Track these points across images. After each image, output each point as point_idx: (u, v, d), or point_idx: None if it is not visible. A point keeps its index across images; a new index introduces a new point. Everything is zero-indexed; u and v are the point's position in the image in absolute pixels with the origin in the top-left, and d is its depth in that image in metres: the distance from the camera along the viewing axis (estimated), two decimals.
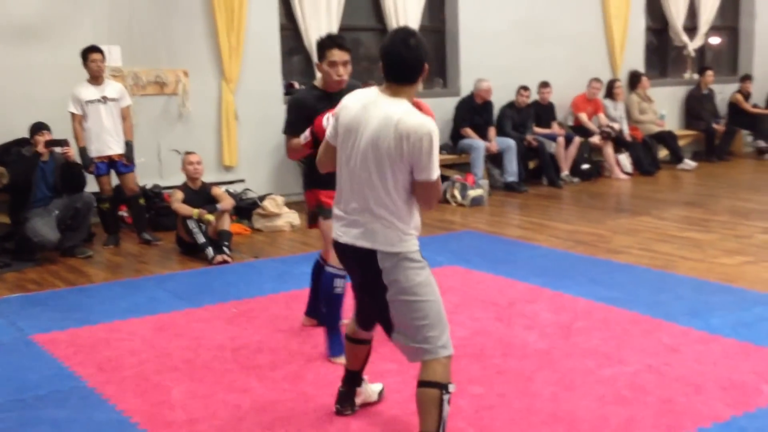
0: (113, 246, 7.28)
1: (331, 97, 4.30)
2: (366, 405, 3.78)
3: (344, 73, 4.26)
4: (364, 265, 3.24)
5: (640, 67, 11.72)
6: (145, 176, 8.06)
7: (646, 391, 3.92)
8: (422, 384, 3.16)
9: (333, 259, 4.34)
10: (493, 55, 10.25)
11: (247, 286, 5.93)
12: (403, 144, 3.02)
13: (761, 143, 12.36)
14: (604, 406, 3.77)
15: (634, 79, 11.40)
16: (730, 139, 12.17)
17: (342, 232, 3.28)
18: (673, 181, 10.61)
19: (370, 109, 3.14)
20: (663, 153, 11.57)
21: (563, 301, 5.40)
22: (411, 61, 3.10)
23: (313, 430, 3.61)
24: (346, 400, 3.72)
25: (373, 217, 3.16)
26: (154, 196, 8.07)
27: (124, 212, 7.89)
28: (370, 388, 3.82)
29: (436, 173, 3.08)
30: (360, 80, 9.56)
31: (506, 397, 3.91)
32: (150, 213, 7.84)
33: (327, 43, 4.25)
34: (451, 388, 3.17)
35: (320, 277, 4.55)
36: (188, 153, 7.20)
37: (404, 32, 3.16)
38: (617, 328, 4.85)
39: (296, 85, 9.42)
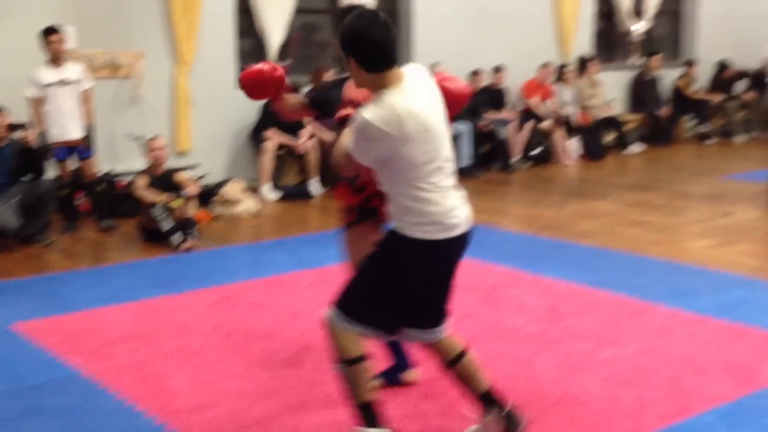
0: (72, 233, 7.04)
1: None
2: None
3: None
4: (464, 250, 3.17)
5: (589, 51, 11.85)
6: (97, 162, 7.78)
7: (649, 373, 3.96)
8: (460, 355, 3.20)
9: None
10: (446, 39, 10.23)
11: (221, 273, 5.81)
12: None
13: (703, 128, 12.64)
14: (612, 388, 3.80)
15: (583, 64, 11.52)
16: (674, 123, 12.42)
17: (454, 224, 3.03)
18: (622, 166, 10.78)
19: (426, 90, 3.02)
20: (609, 137, 11.74)
21: (544, 285, 5.43)
22: (393, 39, 2.93)
23: (325, 417, 3.56)
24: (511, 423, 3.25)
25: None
26: (109, 182, 7.82)
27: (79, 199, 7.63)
28: None
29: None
30: (313, 65, 9.55)
31: (513, 381, 3.90)
32: (106, 199, 7.59)
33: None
34: None
35: None
36: (152, 138, 7.00)
37: (374, 12, 2.94)
38: (605, 310, 4.91)
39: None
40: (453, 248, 3.07)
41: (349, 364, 3.05)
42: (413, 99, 2.90)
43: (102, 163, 7.90)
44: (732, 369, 4.00)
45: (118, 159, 8.20)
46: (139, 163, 8.19)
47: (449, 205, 3.01)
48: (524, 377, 3.95)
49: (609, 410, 3.58)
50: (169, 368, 4.09)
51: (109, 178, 7.81)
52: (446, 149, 3.03)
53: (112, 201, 7.67)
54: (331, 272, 5.68)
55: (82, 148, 7.04)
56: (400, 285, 3.05)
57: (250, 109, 8.87)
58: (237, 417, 3.55)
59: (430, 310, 3.18)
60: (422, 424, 3.47)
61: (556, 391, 3.77)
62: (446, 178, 3.03)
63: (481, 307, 5.01)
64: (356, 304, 3.09)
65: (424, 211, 2.97)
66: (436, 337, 3.20)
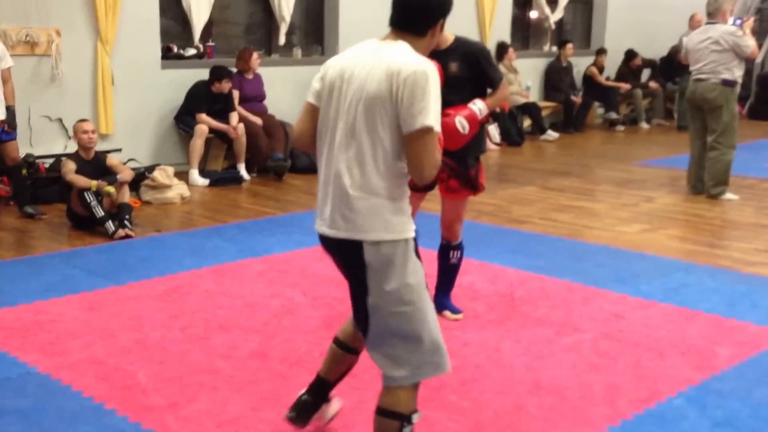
0: None
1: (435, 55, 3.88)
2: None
3: None
4: (348, 261, 2.71)
5: (507, 38, 12.01)
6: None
7: (613, 358, 4.06)
8: (381, 412, 2.72)
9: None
10: (372, 21, 10.08)
11: (164, 262, 5.64)
12: (393, 82, 2.53)
13: (612, 115, 13.03)
14: (582, 375, 3.87)
15: (501, 50, 11.66)
16: (586, 110, 12.76)
17: (322, 221, 2.71)
18: (540, 152, 11.00)
19: (362, 57, 2.66)
20: (526, 123, 11.96)
21: (493, 272, 5.49)
22: (417, 5, 2.68)
23: None
24: (305, 411, 3.19)
25: (358, 196, 2.59)
26: (29, 166, 7.49)
27: None
28: (331, 409, 3.29)
29: (432, 120, 2.51)
30: (233, 47, 9.37)
31: (483, 368, 3.94)
32: (28, 184, 7.26)
33: None
34: (415, 417, 2.72)
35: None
36: (81, 120, 6.70)
37: None
38: (557, 296, 4.99)
39: (175, 49, 9.01)
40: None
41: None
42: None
43: (20, 147, 7.53)
44: (689, 352, 4.14)
45: (37, 142, 7.87)
46: (59, 146, 7.92)
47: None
48: (495, 365, 3.98)
49: (583, 397, 3.64)
50: (131, 363, 3.94)
51: (30, 162, 7.48)
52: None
53: (33, 186, 7.35)
54: (277, 261, 5.65)
55: (4, 130, 6.71)
56: None
57: (175, 92, 8.65)
58: (214, 414, 3.45)
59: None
60: None
61: (529, 379, 3.82)
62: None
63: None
64: None
65: None
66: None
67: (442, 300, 4.66)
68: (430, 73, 2.54)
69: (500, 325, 4.52)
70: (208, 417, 3.42)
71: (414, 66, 2.53)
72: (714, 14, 7.78)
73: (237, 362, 3.98)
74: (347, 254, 2.67)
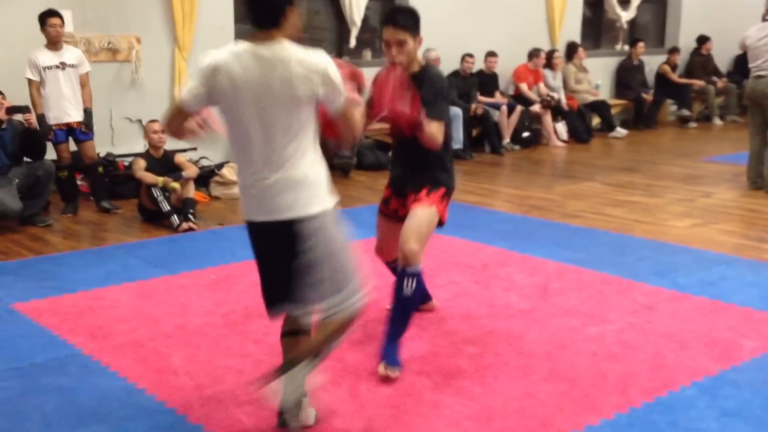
0: (72, 214, 7.15)
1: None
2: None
3: (397, 54, 3.76)
4: (278, 240, 3.06)
5: (577, 38, 12.03)
6: (97, 144, 7.89)
7: (634, 348, 4.13)
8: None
9: (384, 255, 4.34)
10: (438, 25, 10.32)
11: (220, 253, 5.93)
12: (314, 79, 2.89)
13: (685, 112, 12.90)
14: (599, 363, 3.96)
15: (571, 50, 11.70)
16: (658, 108, 12.66)
17: (255, 209, 3.08)
18: (607, 148, 10.97)
19: (245, 61, 2.95)
20: (595, 121, 11.93)
21: (533, 264, 5.59)
22: (267, 1, 2.95)
23: (324, 393, 3.68)
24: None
25: (286, 178, 2.95)
26: (109, 164, 7.94)
27: (78, 180, 7.73)
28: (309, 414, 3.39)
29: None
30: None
31: (502, 356, 4.06)
32: (105, 181, 7.71)
33: (383, 19, 3.90)
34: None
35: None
36: (152, 121, 7.09)
37: None
38: (591, 288, 5.07)
39: None
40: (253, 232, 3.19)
41: None
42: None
43: (102, 146, 8.01)
44: (713, 344, 4.18)
45: (118, 142, 8.33)
46: (139, 145, 8.33)
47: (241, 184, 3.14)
48: (514, 352, 4.10)
49: (596, 385, 3.72)
50: (169, 347, 4.19)
51: (110, 160, 7.92)
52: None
53: (111, 183, 7.79)
54: None
55: (81, 130, 7.14)
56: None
57: None
58: (236, 394, 3.65)
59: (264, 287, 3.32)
60: (417, 399, 3.61)
61: (545, 366, 3.93)
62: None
63: (473, 285, 5.16)
64: None
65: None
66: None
67: (386, 346, 3.85)
68: (330, 62, 3.00)
69: (528, 315, 4.63)
70: (229, 397, 3.62)
71: (322, 60, 2.98)
72: None
73: (267, 347, 4.18)
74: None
